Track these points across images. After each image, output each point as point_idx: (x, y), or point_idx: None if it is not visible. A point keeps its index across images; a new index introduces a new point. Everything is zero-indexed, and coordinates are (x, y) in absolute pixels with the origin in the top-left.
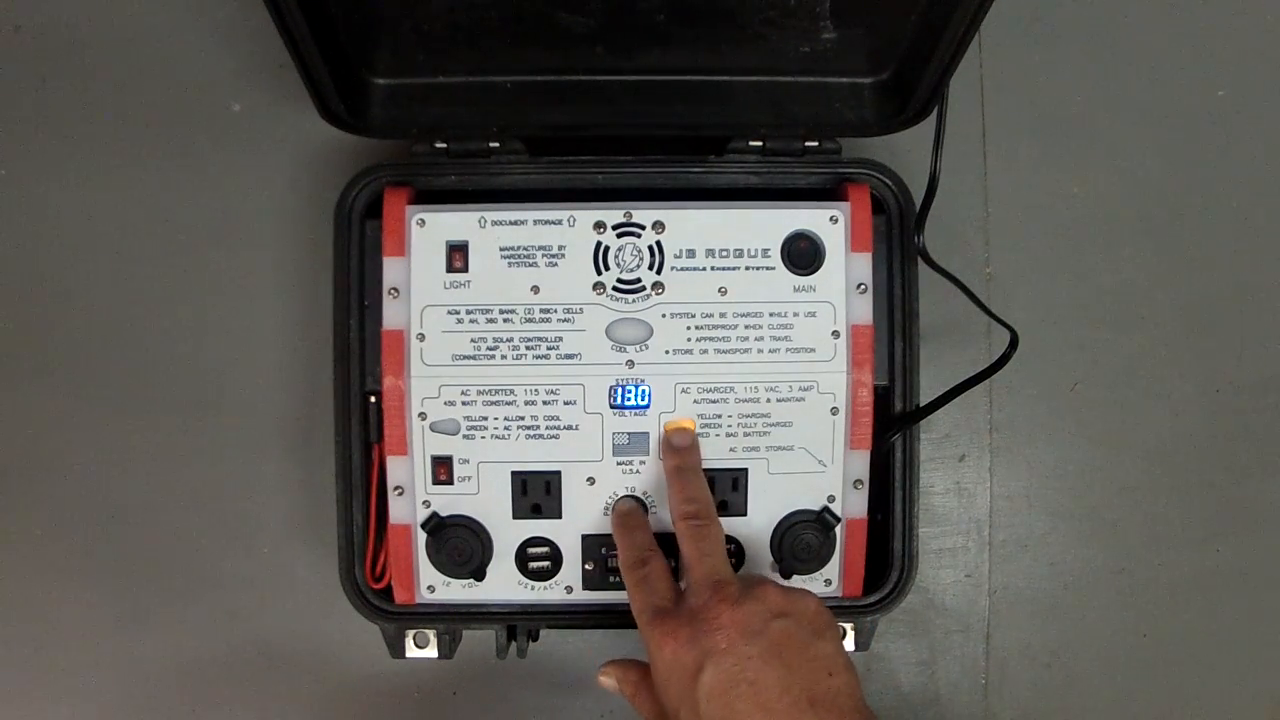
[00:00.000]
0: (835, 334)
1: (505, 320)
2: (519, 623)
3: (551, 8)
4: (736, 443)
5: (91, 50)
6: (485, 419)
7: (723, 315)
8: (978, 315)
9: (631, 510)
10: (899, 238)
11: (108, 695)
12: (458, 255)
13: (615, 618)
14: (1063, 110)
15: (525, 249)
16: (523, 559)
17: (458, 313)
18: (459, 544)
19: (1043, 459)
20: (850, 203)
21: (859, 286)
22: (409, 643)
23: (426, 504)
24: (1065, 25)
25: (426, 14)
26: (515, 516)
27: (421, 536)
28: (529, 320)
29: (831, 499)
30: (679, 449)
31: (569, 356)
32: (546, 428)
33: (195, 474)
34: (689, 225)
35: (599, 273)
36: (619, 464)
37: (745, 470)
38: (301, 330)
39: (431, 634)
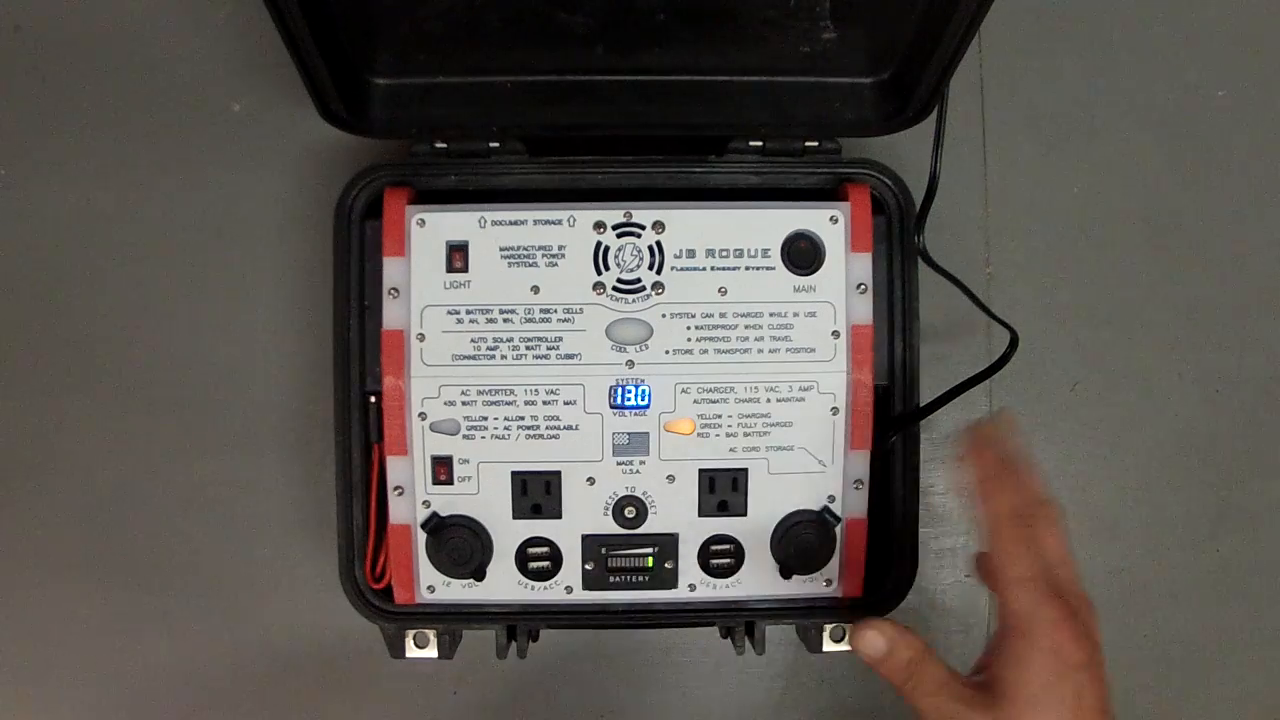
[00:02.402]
0: (835, 334)
1: (505, 320)
2: (519, 623)
3: (551, 8)
4: (736, 443)
5: (91, 50)
6: (485, 419)
7: (723, 315)
8: (978, 315)
9: (1017, 449)
10: (899, 238)
11: (108, 695)
12: (458, 255)
13: (615, 618)
14: (1063, 110)
15: (525, 249)
16: (523, 559)
17: (458, 313)
18: (459, 544)
19: (1043, 459)
20: (850, 203)
21: (859, 286)
22: (409, 643)
23: (426, 504)
24: (1065, 25)
25: (426, 14)
26: (515, 516)
27: (421, 536)
28: (529, 320)
29: (831, 499)
30: (991, 441)
31: (569, 356)
32: (546, 428)
33: (195, 474)
34: (689, 225)
35: (599, 273)
36: (619, 464)
37: (745, 470)
38: (301, 330)
39: (431, 634)
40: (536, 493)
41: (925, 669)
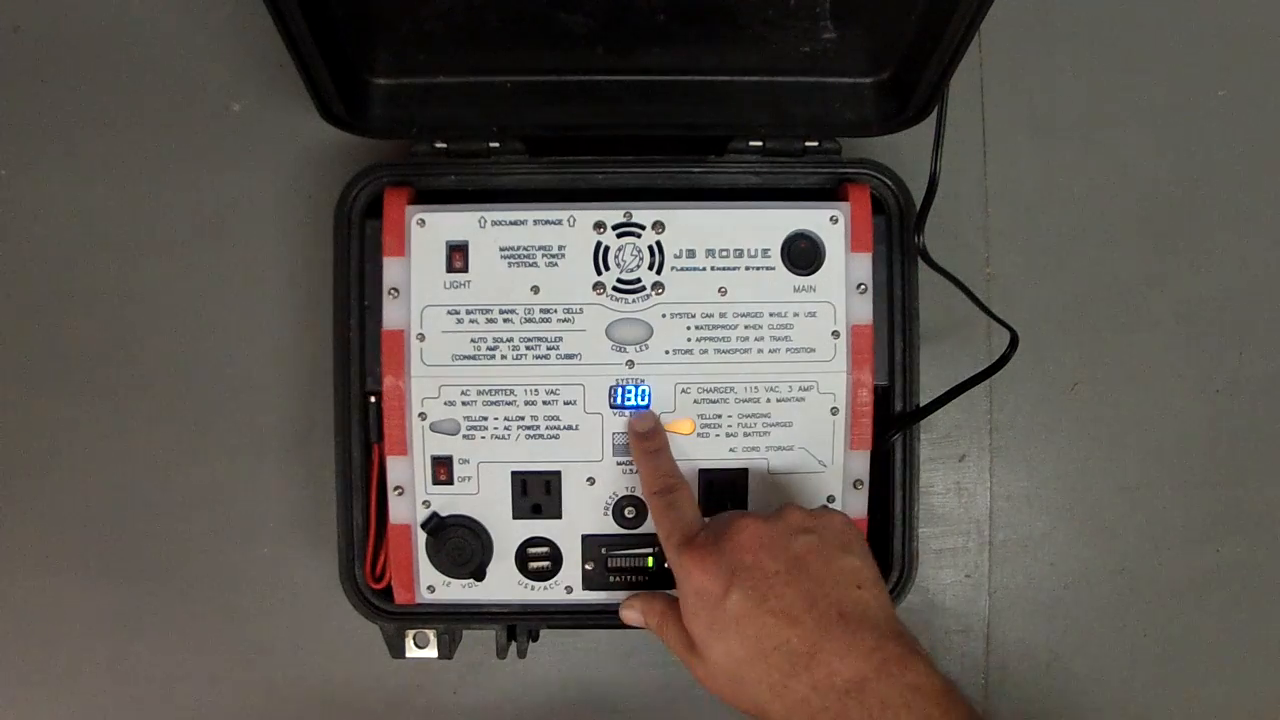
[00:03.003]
0: (835, 334)
1: (505, 320)
2: (519, 623)
3: (551, 8)
4: (736, 443)
5: (91, 50)
6: (485, 419)
7: (723, 315)
8: (978, 315)
9: (652, 430)
10: (899, 238)
11: (108, 695)
12: (458, 255)
13: (615, 618)
14: (1063, 110)
15: (525, 249)
16: (523, 559)
17: (458, 313)
18: (459, 544)
19: (1043, 459)
20: (850, 203)
21: (859, 286)
22: (409, 643)
23: (426, 504)
24: (1065, 25)
25: (426, 14)
26: (515, 516)
27: (421, 536)
28: (529, 320)
29: (831, 499)
30: (645, 433)
31: (569, 356)
32: (546, 428)
33: (195, 474)
34: (689, 225)
35: (599, 273)
36: (619, 464)
37: (745, 470)
38: (301, 330)
39: (431, 634)
40: (536, 493)
41: (667, 625)
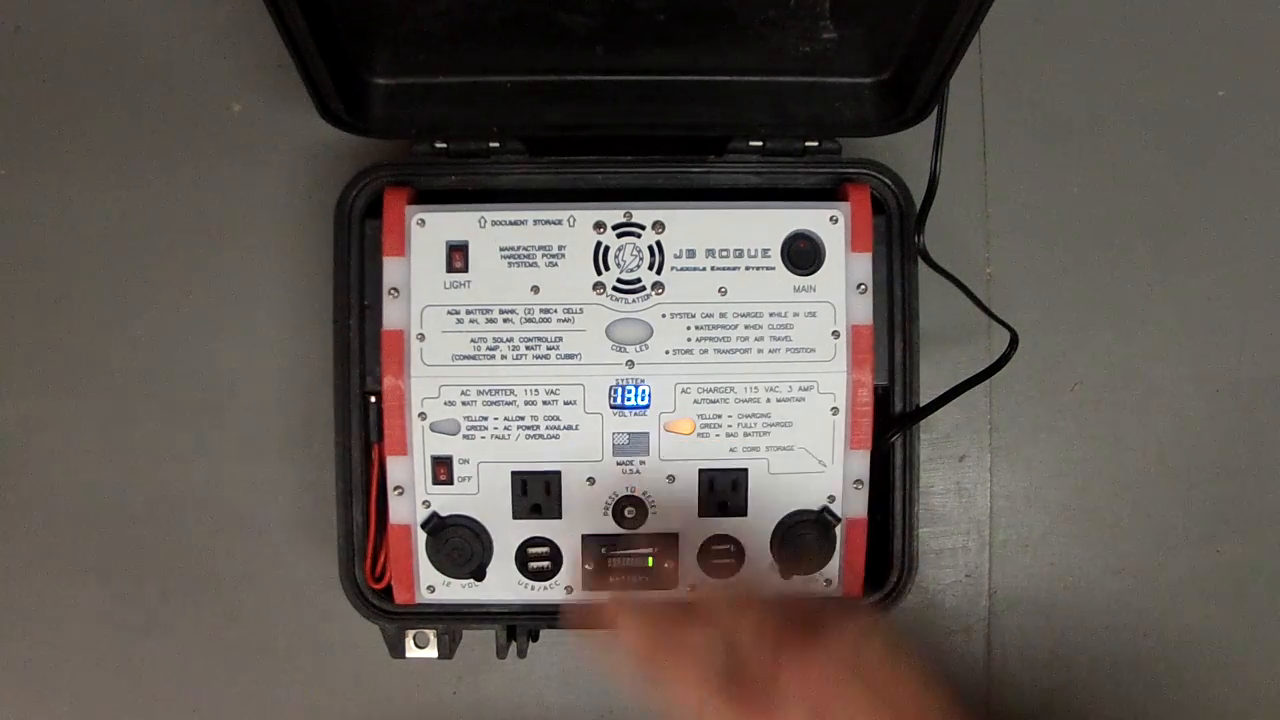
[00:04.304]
0: (835, 334)
1: (505, 320)
2: (519, 623)
3: (551, 8)
4: (736, 443)
5: (92, 50)
6: (485, 419)
7: (723, 315)
8: (978, 315)
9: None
10: (899, 238)
11: (108, 695)
12: (458, 255)
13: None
14: (1063, 110)
15: (525, 249)
16: (523, 559)
17: (458, 313)
18: (459, 544)
19: (1043, 459)
20: (850, 203)
21: (859, 286)
22: (409, 643)
23: (426, 504)
24: (1065, 25)
25: (426, 14)
26: (515, 516)
27: (421, 536)
28: (529, 320)
29: (831, 499)
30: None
31: (569, 356)
32: (546, 428)
33: (195, 474)
34: (689, 225)
35: (599, 273)
36: (619, 464)
37: (745, 470)
38: (301, 330)
39: (431, 634)
40: (536, 493)
41: None
